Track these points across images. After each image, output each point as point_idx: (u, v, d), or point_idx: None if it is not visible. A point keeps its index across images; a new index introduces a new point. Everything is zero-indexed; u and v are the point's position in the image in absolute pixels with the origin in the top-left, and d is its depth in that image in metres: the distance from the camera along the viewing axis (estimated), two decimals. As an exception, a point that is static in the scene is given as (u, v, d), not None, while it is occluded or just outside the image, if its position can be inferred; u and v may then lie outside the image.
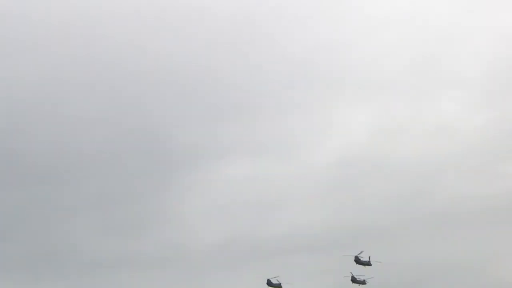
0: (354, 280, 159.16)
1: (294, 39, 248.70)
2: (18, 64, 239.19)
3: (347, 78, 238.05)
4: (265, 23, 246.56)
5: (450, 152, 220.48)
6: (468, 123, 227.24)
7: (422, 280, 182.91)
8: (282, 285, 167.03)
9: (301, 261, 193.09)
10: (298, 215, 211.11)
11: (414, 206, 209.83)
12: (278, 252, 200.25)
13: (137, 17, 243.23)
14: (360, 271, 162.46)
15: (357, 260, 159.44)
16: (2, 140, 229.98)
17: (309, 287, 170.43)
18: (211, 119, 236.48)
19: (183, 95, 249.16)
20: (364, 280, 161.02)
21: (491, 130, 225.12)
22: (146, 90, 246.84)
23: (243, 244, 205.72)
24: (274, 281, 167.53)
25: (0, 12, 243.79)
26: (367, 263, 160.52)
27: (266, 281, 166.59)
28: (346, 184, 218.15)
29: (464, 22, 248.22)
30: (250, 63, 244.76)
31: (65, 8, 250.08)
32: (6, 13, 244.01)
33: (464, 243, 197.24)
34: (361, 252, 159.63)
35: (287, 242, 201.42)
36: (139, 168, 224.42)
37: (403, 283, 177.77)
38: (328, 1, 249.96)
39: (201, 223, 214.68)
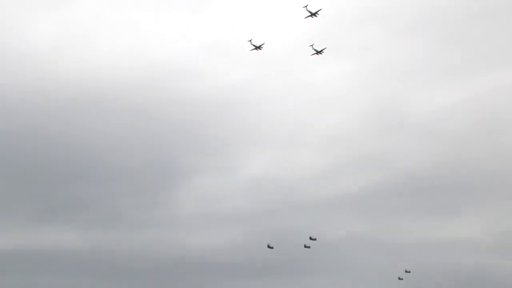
0: (310, 238, 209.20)
1: (249, 114, 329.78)
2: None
3: (259, 133, 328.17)
4: (229, 107, 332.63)
5: (310, 172, 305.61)
6: (316, 162, 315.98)
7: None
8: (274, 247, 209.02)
9: (246, 226, 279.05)
10: (236, 203, 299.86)
11: (298, 198, 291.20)
12: (233, 220, 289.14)
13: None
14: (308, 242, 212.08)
15: (310, 238, 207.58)
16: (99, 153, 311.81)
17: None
18: (194, 154, 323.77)
19: (187, 144, 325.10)
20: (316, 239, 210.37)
21: (333, 164, 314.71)
22: (167, 136, 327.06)
23: (212, 216, 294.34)
24: (271, 245, 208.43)
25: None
26: (314, 239, 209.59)
27: (267, 245, 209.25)
28: (261, 188, 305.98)
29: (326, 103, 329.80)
30: (225, 127, 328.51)
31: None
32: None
33: (324, 220, 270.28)
34: (312, 236, 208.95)
35: (236, 216, 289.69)
36: (159, 177, 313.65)
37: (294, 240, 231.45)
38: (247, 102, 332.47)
39: (187, 204, 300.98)
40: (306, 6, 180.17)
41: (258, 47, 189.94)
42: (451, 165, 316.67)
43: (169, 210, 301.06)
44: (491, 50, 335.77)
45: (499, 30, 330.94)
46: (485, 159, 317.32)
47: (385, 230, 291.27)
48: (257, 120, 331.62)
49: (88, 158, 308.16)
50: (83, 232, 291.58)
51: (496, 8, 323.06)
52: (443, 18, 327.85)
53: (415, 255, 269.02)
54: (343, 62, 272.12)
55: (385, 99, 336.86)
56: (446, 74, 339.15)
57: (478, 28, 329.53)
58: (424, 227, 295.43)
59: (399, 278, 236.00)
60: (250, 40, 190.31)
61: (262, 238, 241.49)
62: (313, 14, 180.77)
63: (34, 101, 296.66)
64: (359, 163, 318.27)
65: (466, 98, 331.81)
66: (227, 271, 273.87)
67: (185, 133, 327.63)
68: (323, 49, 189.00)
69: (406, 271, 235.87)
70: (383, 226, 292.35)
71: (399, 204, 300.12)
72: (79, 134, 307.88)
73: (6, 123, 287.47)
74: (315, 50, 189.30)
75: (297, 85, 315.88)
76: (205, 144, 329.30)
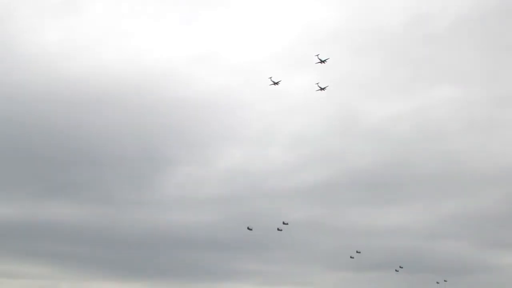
0: (283, 223, 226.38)
1: (227, 116, 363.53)
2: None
3: (234, 132, 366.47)
4: (210, 109, 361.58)
5: (277, 166, 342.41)
6: (283, 158, 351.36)
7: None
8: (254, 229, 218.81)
9: (222, 210, 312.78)
10: (212, 190, 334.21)
11: (266, 188, 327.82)
12: (210, 204, 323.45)
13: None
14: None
15: (283, 223, 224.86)
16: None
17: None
18: (178, 147, 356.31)
19: (172, 138, 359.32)
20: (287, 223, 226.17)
21: (297, 161, 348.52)
22: (156, 131, 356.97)
23: (192, 200, 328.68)
24: (250, 227, 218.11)
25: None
26: (287, 224, 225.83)
27: (247, 227, 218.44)
28: (234, 178, 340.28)
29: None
30: (206, 126, 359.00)
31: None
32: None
33: (289, 207, 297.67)
34: (285, 221, 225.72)
35: (212, 200, 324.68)
36: (147, 166, 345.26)
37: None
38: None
39: (171, 189, 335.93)
40: (318, 55, 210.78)
41: (276, 83, 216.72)
42: (396, 164, 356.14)
43: (155, 194, 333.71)
44: (433, 69, 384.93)
45: (441, 53, 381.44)
46: (424, 160, 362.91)
47: (340, 217, 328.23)
48: (233, 121, 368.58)
49: (87, 148, 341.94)
50: (81, 209, 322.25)
51: (439, 33, 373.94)
52: (394, 41, 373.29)
53: (364, 238, 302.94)
54: (309, 75, 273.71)
55: (343, 107, 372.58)
56: (395, 88, 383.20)
57: (423, 50, 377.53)
58: (372, 215, 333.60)
59: (351, 257, 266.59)
60: (271, 77, 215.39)
61: (236, 219, 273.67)
62: (322, 61, 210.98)
63: (42, 98, 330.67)
64: (320, 160, 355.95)
65: (411, 108, 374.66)
66: (203, 245, 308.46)
67: (171, 130, 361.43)
68: (326, 87, 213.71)
69: (357, 252, 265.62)
70: (338, 213, 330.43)
71: (352, 195, 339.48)
72: (81, 128, 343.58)
73: (18, 116, 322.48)
74: (319, 87, 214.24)
75: (269, 93, 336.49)
76: (188, 139, 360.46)
